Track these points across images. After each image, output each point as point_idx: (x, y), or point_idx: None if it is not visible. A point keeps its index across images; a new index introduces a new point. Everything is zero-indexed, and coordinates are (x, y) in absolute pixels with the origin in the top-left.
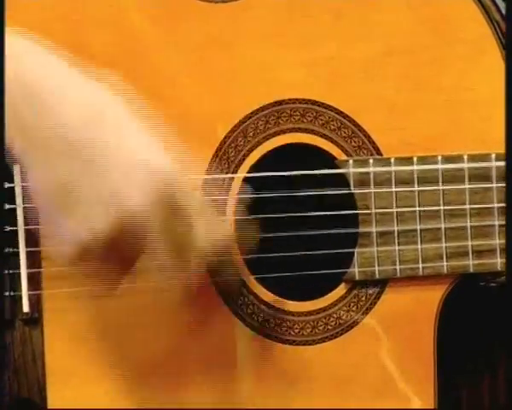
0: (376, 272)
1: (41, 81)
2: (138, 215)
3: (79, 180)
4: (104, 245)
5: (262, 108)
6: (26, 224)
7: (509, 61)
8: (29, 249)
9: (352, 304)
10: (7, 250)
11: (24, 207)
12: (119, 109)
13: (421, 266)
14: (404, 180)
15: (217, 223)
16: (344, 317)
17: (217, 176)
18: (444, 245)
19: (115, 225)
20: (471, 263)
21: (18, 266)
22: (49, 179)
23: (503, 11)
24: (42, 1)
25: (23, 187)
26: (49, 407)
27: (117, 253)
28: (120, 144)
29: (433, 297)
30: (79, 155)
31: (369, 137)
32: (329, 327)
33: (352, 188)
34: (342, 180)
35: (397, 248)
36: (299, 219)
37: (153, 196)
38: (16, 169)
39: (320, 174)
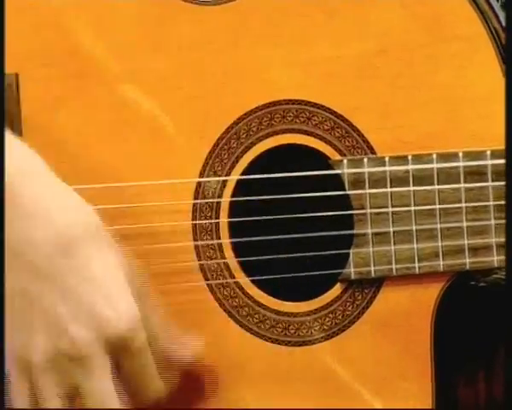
0: (372, 272)
1: (20, 183)
2: (84, 348)
3: (35, 296)
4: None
5: (255, 110)
6: None
7: (509, 61)
8: None
9: (348, 304)
10: None
11: None
12: (93, 242)
13: (417, 264)
14: (399, 179)
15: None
16: (340, 317)
17: (211, 179)
18: (440, 243)
19: (56, 351)
20: (467, 261)
21: None
22: (8, 284)
23: (502, 18)
24: (31, 3)
25: None
26: None
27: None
28: (86, 279)
29: (429, 295)
30: (41, 274)
31: (362, 137)
32: (325, 327)
33: (346, 188)
34: (337, 180)
35: (392, 247)
36: (293, 221)
37: (102, 339)
38: None
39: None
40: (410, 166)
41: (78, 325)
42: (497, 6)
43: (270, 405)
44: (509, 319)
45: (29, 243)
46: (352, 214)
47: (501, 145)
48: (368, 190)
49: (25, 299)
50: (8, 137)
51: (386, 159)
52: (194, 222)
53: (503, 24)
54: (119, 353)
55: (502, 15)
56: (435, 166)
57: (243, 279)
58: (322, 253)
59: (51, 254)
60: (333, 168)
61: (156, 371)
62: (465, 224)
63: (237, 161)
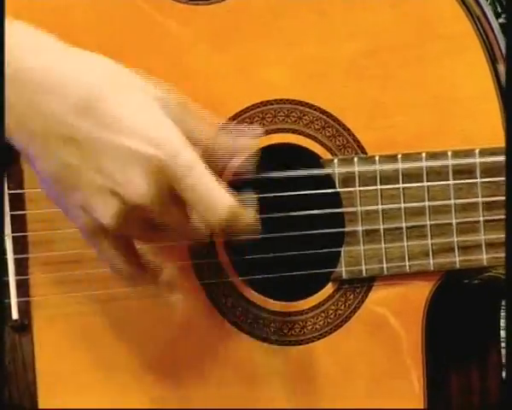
0: (363, 271)
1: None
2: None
3: (77, 166)
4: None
5: (246, 109)
6: (13, 231)
7: (509, 62)
8: (17, 256)
9: (339, 303)
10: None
11: (11, 215)
12: (113, 93)
13: (407, 263)
14: (389, 178)
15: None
16: (332, 316)
17: None
18: (429, 242)
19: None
20: (457, 259)
21: (7, 274)
22: (55, 163)
23: (490, 17)
24: (26, 4)
25: (10, 194)
26: None
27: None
28: (117, 133)
29: (420, 294)
30: (81, 138)
31: (353, 136)
32: (318, 326)
33: (337, 187)
34: (327, 178)
35: (383, 246)
36: (285, 220)
37: (154, 177)
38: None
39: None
40: (400, 165)
41: (130, 170)
42: (485, 4)
43: (263, 404)
44: (510, 319)
45: (53, 117)
46: (342, 214)
47: (489, 143)
48: (358, 189)
49: (70, 174)
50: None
51: (377, 158)
52: None
53: (492, 22)
54: (175, 180)
55: (490, 13)
56: (424, 164)
57: (236, 279)
58: (314, 252)
59: (77, 119)
60: (324, 167)
61: (218, 183)
62: (454, 222)
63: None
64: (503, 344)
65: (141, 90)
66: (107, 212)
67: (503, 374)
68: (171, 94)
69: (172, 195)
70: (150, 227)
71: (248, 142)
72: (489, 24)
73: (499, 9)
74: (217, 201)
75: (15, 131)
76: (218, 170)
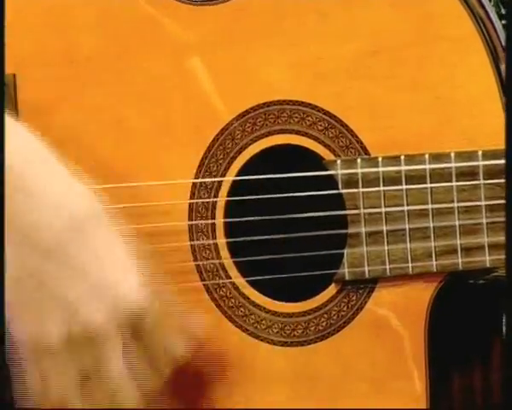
0: (366, 272)
1: (28, 174)
2: (95, 331)
3: (45, 279)
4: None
5: (249, 110)
6: None
7: (509, 61)
8: None
9: (342, 304)
10: None
11: None
12: (99, 223)
13: (410, 265)
14: (392, 179)
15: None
16: (335, 317)
17: (205, 179)
18: (432, 244)
19: (69, 335)
20: (460, 261)
21: None
22: (18, 267)
23: (493, 17)
24: (27, 4)
25: None
26: None
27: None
28: (95, 258)
29: (423, 295)
30: (51, 255)
31: (356, 137)
32: (320, 328)
33: (340, 188)
34: (330, 180)
35: (386, 247)
36: (287, 221)
37: (115, 318)
38: None
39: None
40: (403, 167)
41: (91, 306)
42: (488, 5)
43: (265, 405)
44: (510, 318)
45: (37, 226)
46: (346, 215)
47: (492, 145)
48: (361, 190)
49: (35, 282)
50: (10, 122)
51: (380, 159)
52: (191, 222)
53: (495, 23)
54: (135, 328)
55: (494, 14)
56: (427, 166)
57: (239, 280)
58: (317, 253)
59: (60, 236)
60: (327, 169)
61: (172, 341)
62: (457, 224)
63: (232, 162)
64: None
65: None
66: (57, 328)
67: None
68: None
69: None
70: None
71: None
72: (492, 25)
73: (503, 11)
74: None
75: None
76: None
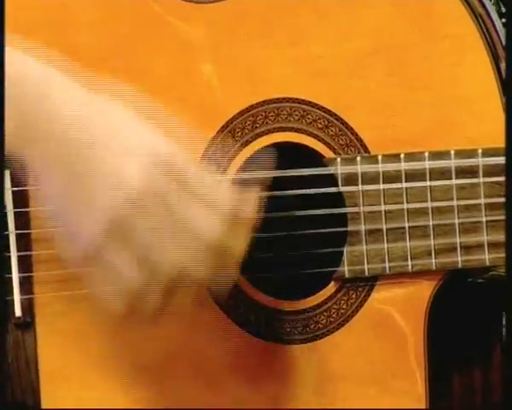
0: (366, 270)
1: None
2: (142, 196)
3: (85, 173)
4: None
5: (249, 108)
6: (16, 228)
7: (509, 59)
8: (20, 254)
9: (342, 302)
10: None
11: (15, 212)
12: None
13: (410, 263)
14: (392, 177)
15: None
16: (334, 315)
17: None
18: (432, 242)
19: (125, 206)
20: (459, 259)
21: (10, 271)
22: (58, 178)
23: (494, 16)
24: (29, 2)
25: (13, 192)
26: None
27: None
28: (118, 132)
29: (423, 293)
30: (80, 150)
31: (356, 135)
32: (320, 325)
33: (340, 186)
34: (330, 178)
35: (386, 245)
36: (287, 219)
37: (153, 176)
38: (6, 174)
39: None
40: (403, 165)
41: (128, 168)
42: (489, 4)
43: (267, 403)
44: (510, 319)
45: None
46: (345, 213)
47: (492, 143)
48: (361, 188)
49: (73, 174)
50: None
51: (379, 157)
52: None
53: (496, 22)
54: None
55: (494, 13)
56: (427, 164)
57: (239, 278)
58: (317, 251)
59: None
60: (327, 166)
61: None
62: (457, 222)
63: (232, 160)
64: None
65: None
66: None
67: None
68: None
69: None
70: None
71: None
72: (492, 24)
73: (503, 9)
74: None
75: (26, 143)
76: None
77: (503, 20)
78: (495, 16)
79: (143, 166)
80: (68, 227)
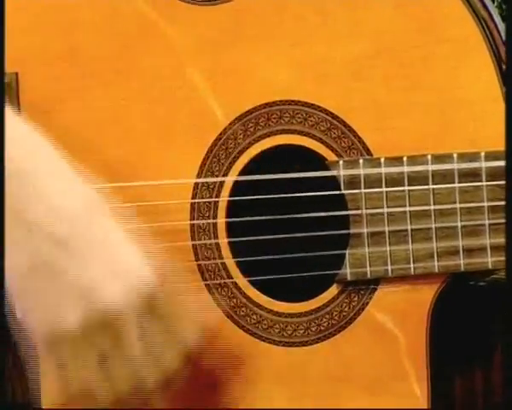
0: (368, 273)
1: (35, 167)
2: (112, 313)
3: (59, 266)
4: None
5: (252, 110)
6: None
7: (509, 59)
8: None
9: (344, 304)
10: None
11: None
12: (105, 211)
13: (412, 265)
14: (395, 180)
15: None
16: (337, 318)
17: (208, 179)
18: (434, 245)
19: (86, 320)
20: (462, 262)
21: None
22: (30, 258)
23: (496, 18)
24: (29, 2)
25: None
26: None
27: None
28: (105, 243)
29: (425, 296)
30: (63, 242)
31: (358, 138)
32: (322, 328)
33: (342, 189)
34: (333, 180)
35: (388, 248)
36: (289, 222)
37: (130, 298)
38: None
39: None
40: (405, 168)
41: (106, 289)
42: (491, 6)
43: (267, 405)
44: (510, 319)
45: (48, 216)
46: (348, 215)
47: (495, 146)
48: (363, 191)
49: (49, 269)
50: (14, 116)
51: (382, 160)
52: (192, 222)
53: (498, 24)
54: (150, 307)
55: (496, 15)
56: (430, 167)
57: (241, 280)
58: (319, 253)
59: (71, 225)
60: (329, 169)
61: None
62: (459, 225)
63: (234, 162)
64: None
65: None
66: (73, 314)
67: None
68: None
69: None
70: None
71: None
72: (495, 26)
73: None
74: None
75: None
76: None
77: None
78: (498, 19)
79: (121, 290)
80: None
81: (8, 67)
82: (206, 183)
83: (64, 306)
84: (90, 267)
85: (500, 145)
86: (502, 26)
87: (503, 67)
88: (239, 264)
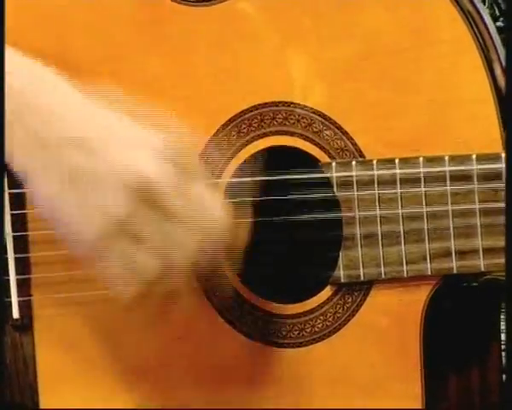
0: (361, 274)
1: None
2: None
3: (87, 166)
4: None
5: (245, 111)
6: (14, 230)
7: (509, 60)
8: (18, 256)
9: (338, 306)
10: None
11: (12, 214)
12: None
13: (405, 267)
14: (387, 182)
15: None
16: (331, 319)
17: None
18: (427, 246)
19: (134, 201)
20: (454, 264)
21: (8, 273)
22: (57, 173)
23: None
24: (28, 3)
25: (10, 193)
26: None
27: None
28: (117, 130)
29: (418, 298)
30: (81, 145)
31: (351, 139)
32: (316, 329)
33: (335, 191)
34: (326, 181)
35: (381, 250)
36: (282, 223)
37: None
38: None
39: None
40: (398, 170)
41: (139, 160)
42: (482, 7)
43: (262, 406)
44: (510, 319)
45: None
46: (341, 217)
47: (487, 147)
48: (356, 193)
49: (79, 175)
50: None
51: (374, 162)
52: None
53: (489, 26)
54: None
55: (487, 16)
56: (422, 170)
57: (235, 281)
58: (312, 255)
59: (84, 128)
60: (322, 171)
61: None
62: (452, 227)
63: (228, 163)
64: (503, 346)
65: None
66: (121, 202)
67: (504, 377)
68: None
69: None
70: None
71: None
72: (485, 27)
73: (497, 12)
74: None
75: (19, 145)
76: None
77: (498, 23)
78: (488, 20)
79: (151, 157)
80: (72, 226)
81: None
82: None
83: (108, 197)
84: (114, 155)
85: (492, 145)
86: (492, 27)
87: (494, 67)
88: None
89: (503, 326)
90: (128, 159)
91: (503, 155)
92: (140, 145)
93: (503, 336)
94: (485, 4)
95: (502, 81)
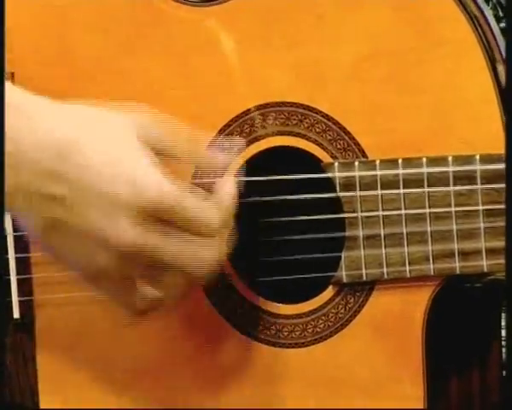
0: (364, 275)
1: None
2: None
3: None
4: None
5: (247, 112)
6: (14, 230)
7: (509, 60)
8: (19, 256)
9: (340, 306)
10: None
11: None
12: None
13: (407, 268)
14: (390, 182)
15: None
16: (333, 319)
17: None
18: (430, 247)
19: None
20: (457, 265)
21: (8, 272)
22: (40, 221)
23: (491, 21)
24: (28, 3)
25: None
26: None
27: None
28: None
29: (420, 298)
30: (63, 193)
31: (354, 140)
32: (318, 329)
33: (337, 191)
34: (328, 182)
35: (383, 250)
36: (285, 224)
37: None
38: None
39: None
40: (401, 171)
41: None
42: (486, 8)
43: (263, 406)
44: (510, 319)
45: (33, 176)
46: (343, 218)
47: (490, 147)
48: (359, 193)
49: (58, 226)
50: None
51: (377, 162)
52: None
53: (493, 26)
54: (164, 215)
55: (491, 17)
56: (425, 170)
57: (237, 281)
58: (315, 256)
59: (54, 179)
60: (324, 171)
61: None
62: (455, 228)
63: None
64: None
65: (119, 130)
66: (100, 260)
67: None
68: (148, 116)
69: (162, 231)
70: (148, 266)
71: (230, 156)
72: (489, 28)
73: (501, 13)
74: (208, 215)
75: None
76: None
77: (501, 24)
78: (492, 21)
79: (132, 219)
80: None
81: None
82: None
83: (90, 248)
84: (93, 217)
85: (495, 146)
86: (496, 28)
87: (498, 68)
88: (235, 266)
89: (503, 326)
90: (108, 226)
91: None
92: (119, 210)
93: (503, 333)
94: (488, 5)
95: None
